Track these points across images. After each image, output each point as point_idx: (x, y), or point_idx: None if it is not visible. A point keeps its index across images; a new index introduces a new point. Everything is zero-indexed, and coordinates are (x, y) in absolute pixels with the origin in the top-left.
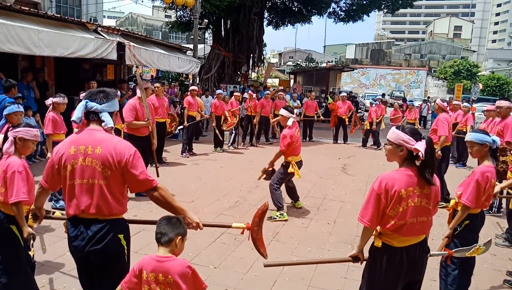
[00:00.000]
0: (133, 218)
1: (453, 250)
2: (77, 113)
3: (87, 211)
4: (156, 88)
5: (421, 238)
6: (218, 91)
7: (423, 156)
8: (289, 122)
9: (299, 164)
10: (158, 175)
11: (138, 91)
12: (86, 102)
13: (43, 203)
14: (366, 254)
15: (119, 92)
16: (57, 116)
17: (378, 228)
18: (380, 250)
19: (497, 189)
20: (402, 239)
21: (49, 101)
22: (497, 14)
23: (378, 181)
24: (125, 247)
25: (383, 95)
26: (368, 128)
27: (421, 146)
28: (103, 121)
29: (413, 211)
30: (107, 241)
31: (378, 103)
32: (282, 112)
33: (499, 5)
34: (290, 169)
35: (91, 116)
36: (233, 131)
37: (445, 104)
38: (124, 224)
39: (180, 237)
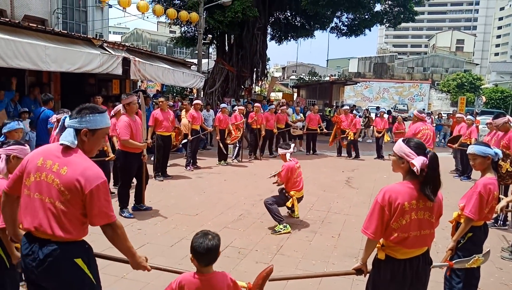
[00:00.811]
0: (137, 232)
1: (453, 261)
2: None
3: (39, 229)
4: (160, 103)
5: (424, 249)
6: (223, 105)
7: (418, 171)
8: (288, 157)
9: (299, 199)
10: (143, 202)
11: (120, 107)
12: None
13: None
14: (369, 266)
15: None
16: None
17: (381, 240)
18: (384, 262)
19: (503, 203)
20: (405, 251)
21: (53, 119)
22: (499, 28)
23: (382, 193)
24: (88, 272)
25: (378, 108)
26: (352, 138)
27: (418, 161)
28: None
29: (416, 224)
30: (60, 266)
31: (379, 115)
32: (280, 151)
33: (500, 19)
34: (289, 203)
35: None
36: (237, 145)
37: (423, 114)
38: (82, 247)
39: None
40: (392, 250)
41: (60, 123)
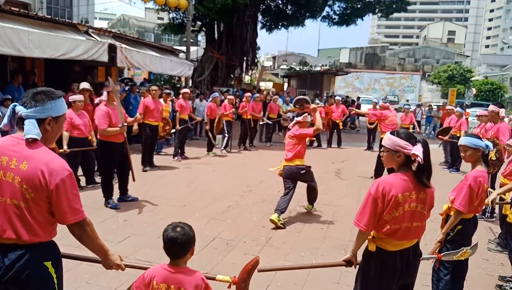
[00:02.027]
0: (123, 223)
1: (442, 254)
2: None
3: (2, 235)
4: (153, 91)
5: (414, 241)
6: (215, 94)
7: (422, 160)
8: (308, 119)
9: None
10: (134, 180)
11: (104, 94)
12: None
13: None
14: (359, 258)
15: (77, 97)
16: None
17: (372, 232)
18: (374, 254)
19: (493, 195)
20: (396, 243)
21: None
22: (490, 20)
23: (375, 185)
24: (54, 277)
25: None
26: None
27: (418, 150)
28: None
29: (408, 216)
30: (30, 270)
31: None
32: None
33: (491, 11)
34: None
35: (19, 123)
36: (226, 135)
37: (387, 104)
38: (52, 248)
39: (193, 247)
40: (383, 242)
41: (8, 113)
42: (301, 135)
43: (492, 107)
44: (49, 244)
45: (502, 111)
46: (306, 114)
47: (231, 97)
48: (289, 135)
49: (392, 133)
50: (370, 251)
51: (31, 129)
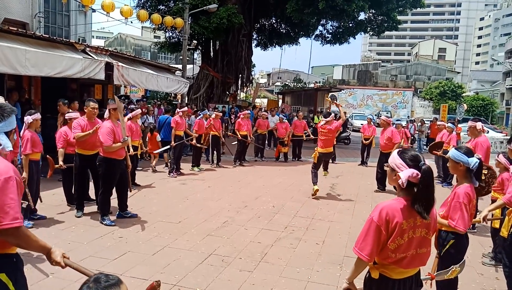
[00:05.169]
0: (118, 240)
1: (435, 274)
2: None
3: None
4: (90, 109)
5: (417, 269)
6: (205, 112)
7: (403, 184)
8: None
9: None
10: (130, 190)
11: (106, 112)
12: None
13: None
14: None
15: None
16: (34, 134)
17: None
18: (377, 282)
19: (484, 212)
20: (401, 271)
21: (29, 120)
22: (479, 37)
23: (378, 211)
24: (12, 289)
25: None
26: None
27: (405, 173)
28: (0, 145)
29: (413, 243)
30: None
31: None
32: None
33: (481, 29)
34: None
35: None
36: (208, 150)
37: (390, 119)
38: (6, 260)
39: None
40: (386, 269)
41: None
42: (336, 128)
43: (470, 123)
44: (3, 255)
45: (478, 125)
46: (332, 114)
47: (219, 113)
48: (326, 130)
49: (398, 151)
50: (373, 279)
51: (7, 142)
